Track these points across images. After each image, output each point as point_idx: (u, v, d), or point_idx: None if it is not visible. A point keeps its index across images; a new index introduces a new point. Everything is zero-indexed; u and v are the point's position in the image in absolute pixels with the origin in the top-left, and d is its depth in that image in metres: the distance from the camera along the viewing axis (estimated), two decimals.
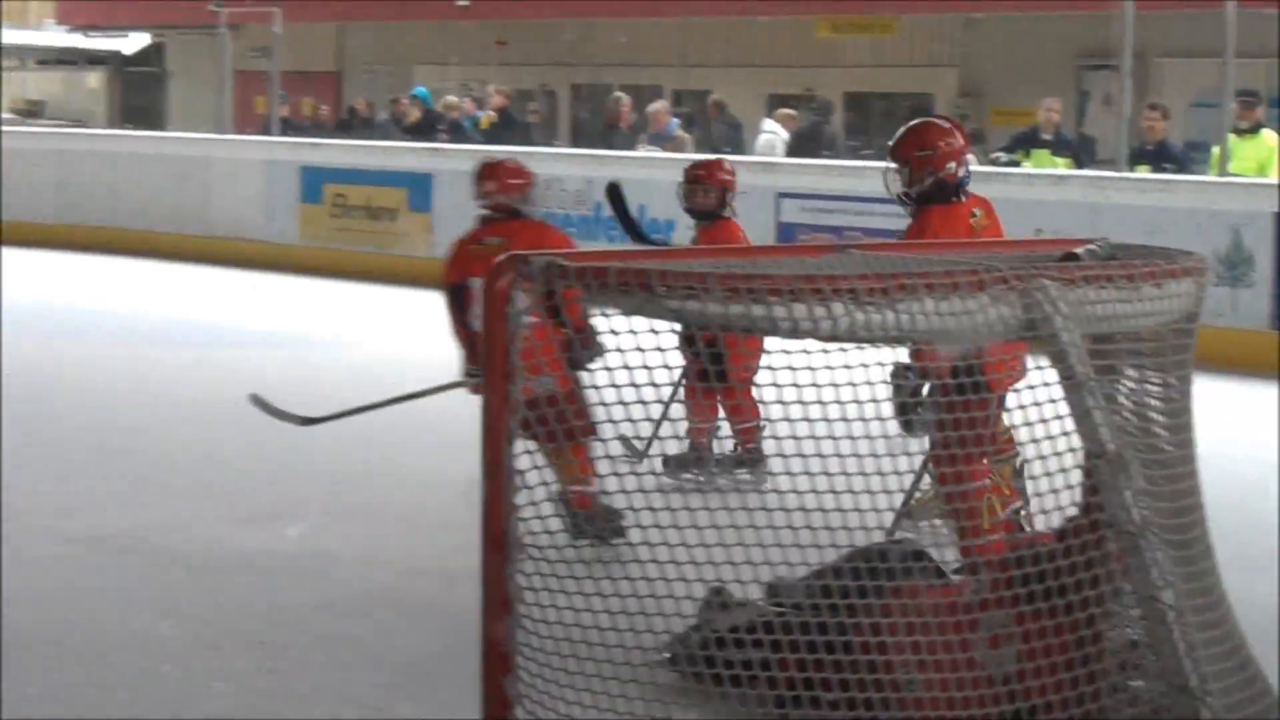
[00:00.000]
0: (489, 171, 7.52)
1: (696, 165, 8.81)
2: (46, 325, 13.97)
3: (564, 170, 16.22)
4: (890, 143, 6.90)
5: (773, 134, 17.79)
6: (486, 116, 21.18)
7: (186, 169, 18.78)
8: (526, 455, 4.11)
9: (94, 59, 32.45)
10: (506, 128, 20.08)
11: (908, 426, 6.07)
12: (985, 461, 5.95)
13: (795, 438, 4.20)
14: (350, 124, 22.69)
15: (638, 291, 4.06)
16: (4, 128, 23.75)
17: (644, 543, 4.33)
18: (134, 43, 32.41)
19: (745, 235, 8.64)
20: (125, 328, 13.96)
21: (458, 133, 19.79)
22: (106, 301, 15.36)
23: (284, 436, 8.50)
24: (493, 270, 4.10)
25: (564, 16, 26.72)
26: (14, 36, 32.13)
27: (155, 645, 6.03)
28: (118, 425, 9.82)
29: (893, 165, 6.74)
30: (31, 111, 29.86)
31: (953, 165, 6.64)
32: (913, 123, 6.96)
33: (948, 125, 6.92)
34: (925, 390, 5.74)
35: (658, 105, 18.34)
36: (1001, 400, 5.62)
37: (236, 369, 11.66)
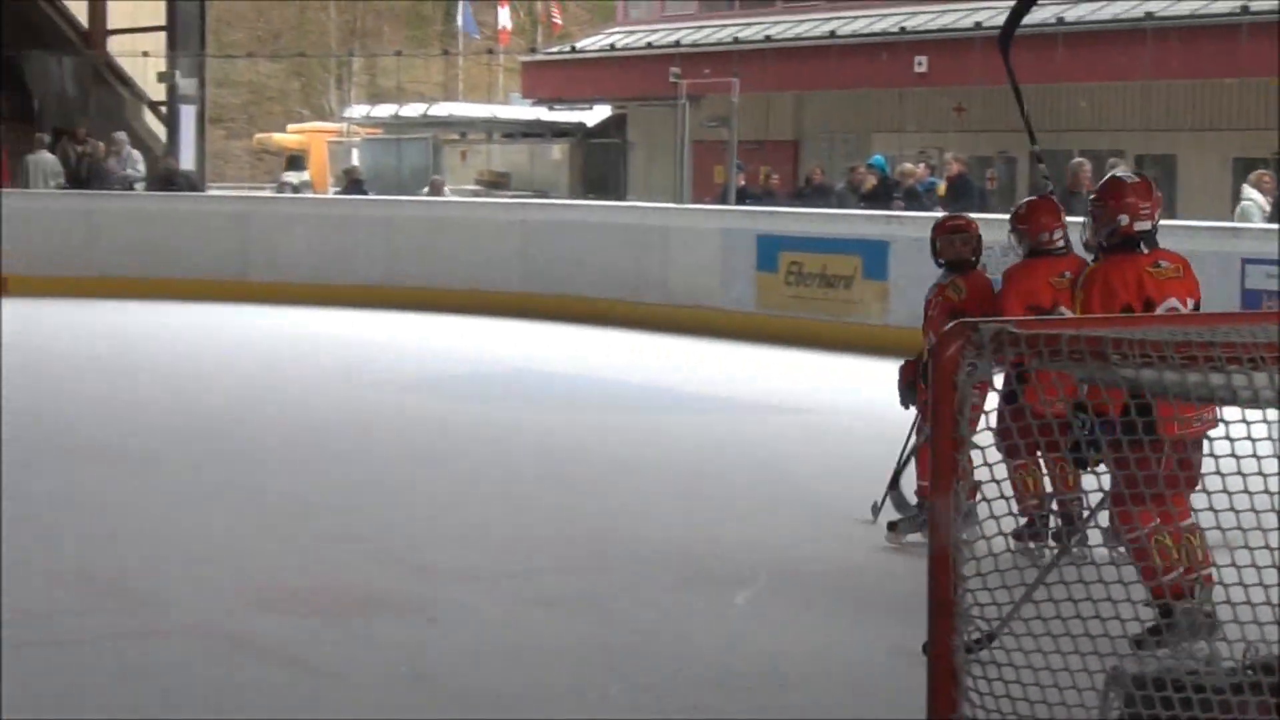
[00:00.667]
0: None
1: (956, 216, 9.06)
2: (515, 390, 14.38)
3: None
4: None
5: (1251, 201, 17.08)
6: (943, 183, 21.03)
7: (645, 238, 19.07)
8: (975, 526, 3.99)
9: (558, 131, 33.39)
10: (963, 194, 19.88)
11: (1080, 464, 6.57)
12: (1162, 505, 6.05)
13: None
14: (806, 192, 22.78)
15: (1090, 359, 3.92)
16: (471, 199, 24.64)
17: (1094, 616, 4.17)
18: (596, 115, 33.25)
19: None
20: (584, 391, 14.27)
21: (913, 200, 19.68)
22: (567, 366, 15.68)
23: (729, 504, 8.49)
24: (941, 338, 4.00)
25: (1024, 82, 26.39)
26: (481, 110, 33.32)
27: (606, 707, 6.06)
28: (575, 489, 9.96)
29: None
30: (497, 183, 30.85)
31: (1125, 218, 6.83)
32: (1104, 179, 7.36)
33: (1134, 181, 7.09)
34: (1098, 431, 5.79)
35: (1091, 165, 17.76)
36: (1185, 447, 5.93)
37: (690, 434, 11.80)
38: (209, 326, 18.37)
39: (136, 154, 23.93)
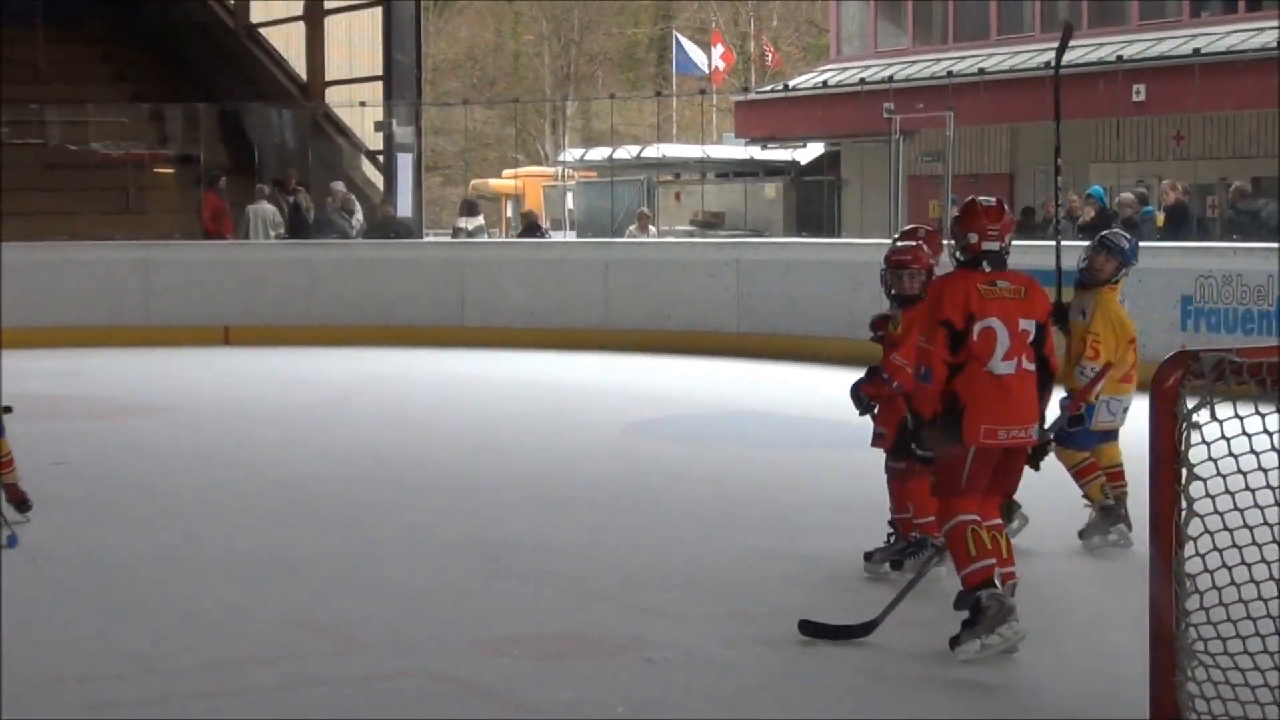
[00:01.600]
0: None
1: (902, 250, 8.68)
2: (730, 429, 14.33)
3: (1242, 265, 15.51)
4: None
5: None
6: (1160, 212, 20.59)
7: (860, 275, 18.86)
8: (1198, 558, 3.80)
9: (771, 169, 33.33)
10: (1181, 223, 19.43)
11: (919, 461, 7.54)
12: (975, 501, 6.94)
13: None
14: (1024, 224, 22.44)
15: None
16: (686, 239, 24.64)
17: None
18: (809, 152, 33.15)
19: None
20: (801, 431, 14.14)
21: (1132, 229, 19.26)
22: (784, 406, 15.55)
23: None
24: (1161, 367, 3.86)
25: (1244, 109, 25.82)
26: (694, 151, 33.37)
27: None
28: (794, 528, 9.83)
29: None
30: (711, 223, 30.85)
31: (974, 237, 7.19)
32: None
33: (988, 205, 7.35)
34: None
35: None
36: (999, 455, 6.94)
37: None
38: (426, 372, 18.54)
39: (355, 203, 24.27)
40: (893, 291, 8.57)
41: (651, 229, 25.48)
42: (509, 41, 55.29)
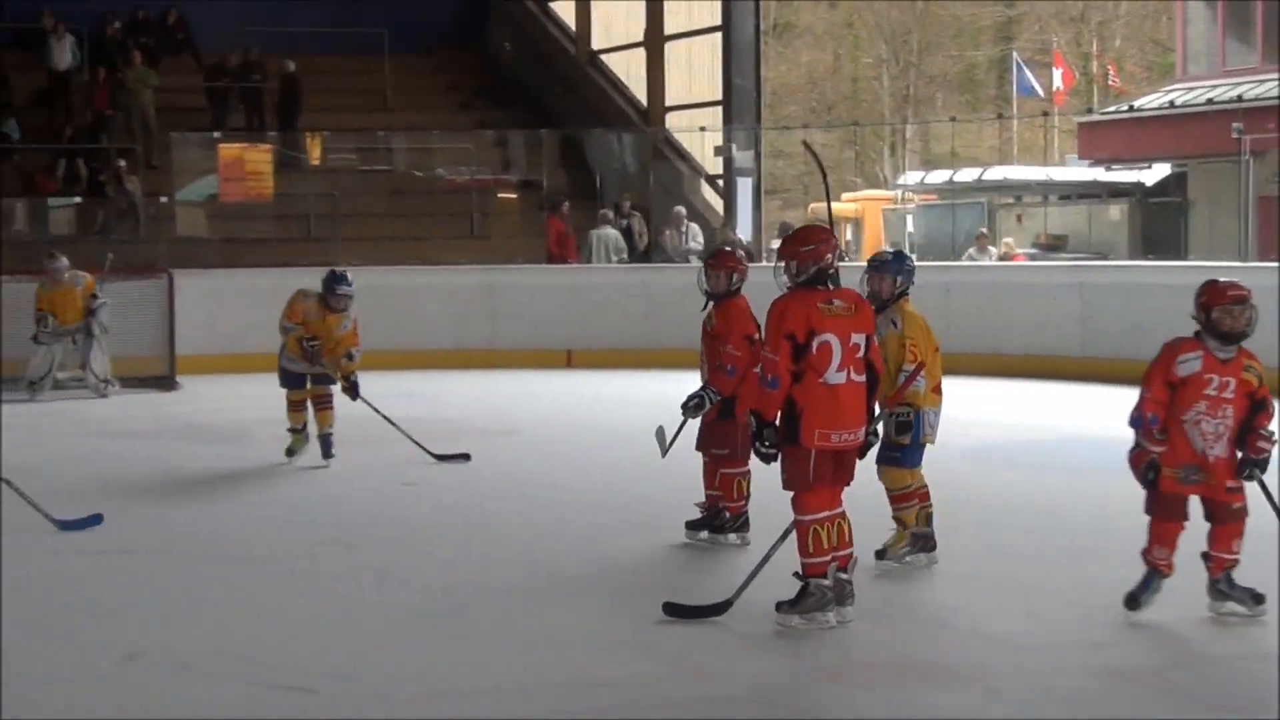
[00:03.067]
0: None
1: (711, 254, 10.49)
2: (1072, 456, 14.04)
3: None
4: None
5: None
6: None
7: None
8: None
9: (1115, 191, 32.67)
10: None
11: (762, 459, 8.10)
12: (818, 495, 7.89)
13: None
14: None
15: None
16: (1028, 263, 24.27)
17: None
18: (1155, 173, 32.41)
19: (749, 309, 10.11)
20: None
21: None
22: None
23: None
24: None
25: None
26: (1036, 173, 32.92)
27: None
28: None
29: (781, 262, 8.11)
30: (1054, 245, 30.37)
31: (829, 258, 7.93)
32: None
33: (822, 228, 8.34)
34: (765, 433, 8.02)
35: None
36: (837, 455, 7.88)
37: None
38: None
39: (695, 227, 24.44)
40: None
41: (991, 250, 25.15)
42: (848, 65, 55.19)
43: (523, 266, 23.60)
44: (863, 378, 7.91)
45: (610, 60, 30.34)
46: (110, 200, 24.41)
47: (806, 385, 7.77)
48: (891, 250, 9.75)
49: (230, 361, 20.39)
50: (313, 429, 13.44)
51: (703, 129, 27.61)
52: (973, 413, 16.77)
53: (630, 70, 29.80)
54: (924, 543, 9.37)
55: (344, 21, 28.65)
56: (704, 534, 10.04)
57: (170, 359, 19.68)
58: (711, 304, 10.30)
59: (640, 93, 29.30)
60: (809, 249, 7.95)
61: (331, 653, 7.58)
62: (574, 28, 30.66)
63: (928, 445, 9.33)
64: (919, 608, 8.47)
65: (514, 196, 26.72)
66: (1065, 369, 19.19)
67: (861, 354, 7.90)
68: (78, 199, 24.87)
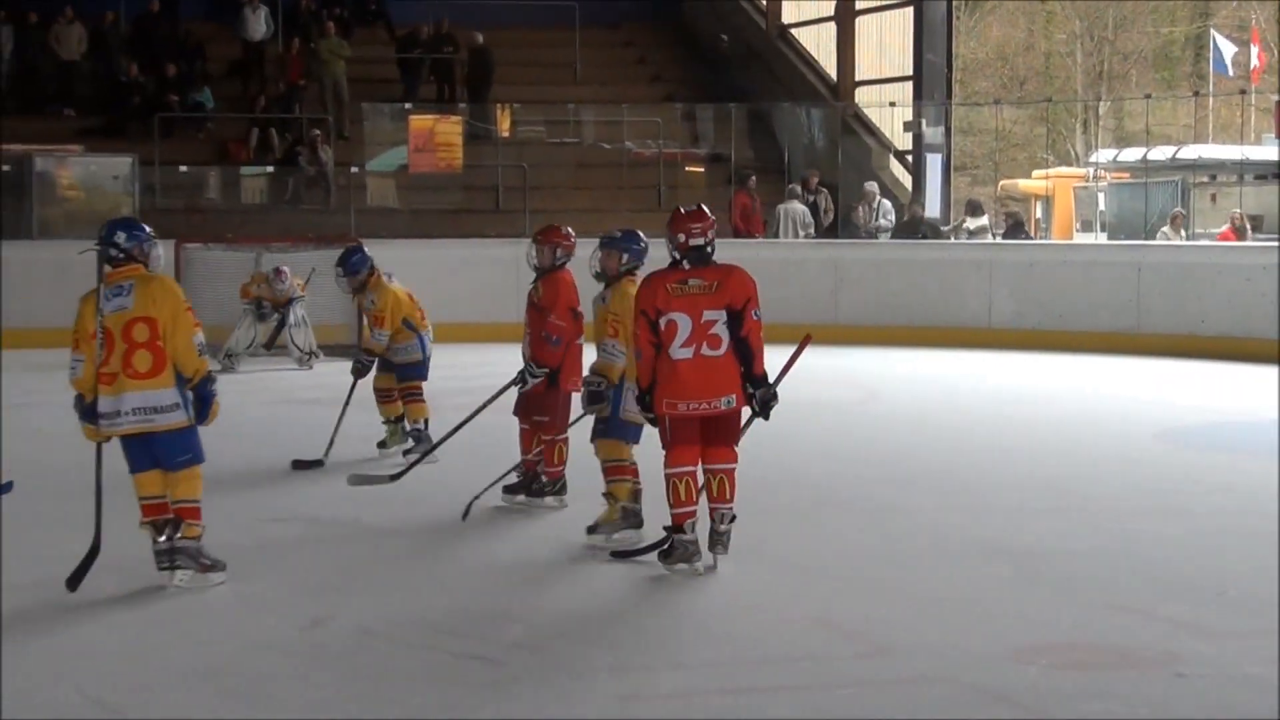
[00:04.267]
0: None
1: (539, 229, 10.51)
2: (1266, 440, 13.74)
3: None
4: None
5: None
6: None
7: None
8: None
9: None
10: None
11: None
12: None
13: None
14: None
15: None
16: (1222, 243, 23.81)
17: None
18: None
19: (574, 283, 10.23)
20: None
21: None
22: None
23: None
24: None
25: None
26: (1232, 152, 32.28)
27: None
28: None
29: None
30: (1250, 226, 29.76)
31: (681, 237, 8.67)
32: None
33: (691, 210, 8.82)
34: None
35: None
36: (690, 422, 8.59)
37: None
38: (952, 374, 18.38)
39: (887, 204, 24.28)
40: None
41: (1183, 232, 24.72)
42: (1040, 40, 54.41)
43: None
44: (718, 351, 8.45)
45: (800, 34, 30.22)
46: (301, 170, 24.76)
47: (661, 359, 8.51)
48: (621, 230, 9.88)
49: None
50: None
51: (892, 104, 27.41)
52: (1164, 394, 16.54)
53: (820, 45, 29.66)
54: (634, 519, 9.47)
55: None
56: (521, 497, 10.43)
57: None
58: (537, 277, 10.45)
59: (830, 67, 29.15)
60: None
61: (516, 624, 7.65)
62: (764, 2, 30.58)
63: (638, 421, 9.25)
64: (1105, 592, 8.31)
65: (701, 170, 26.71)
66: (1260, 350, 18.81)
67: (716, 329, 8.46)
68: (269, 168, 25.24)
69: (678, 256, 8.67)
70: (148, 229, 8.40)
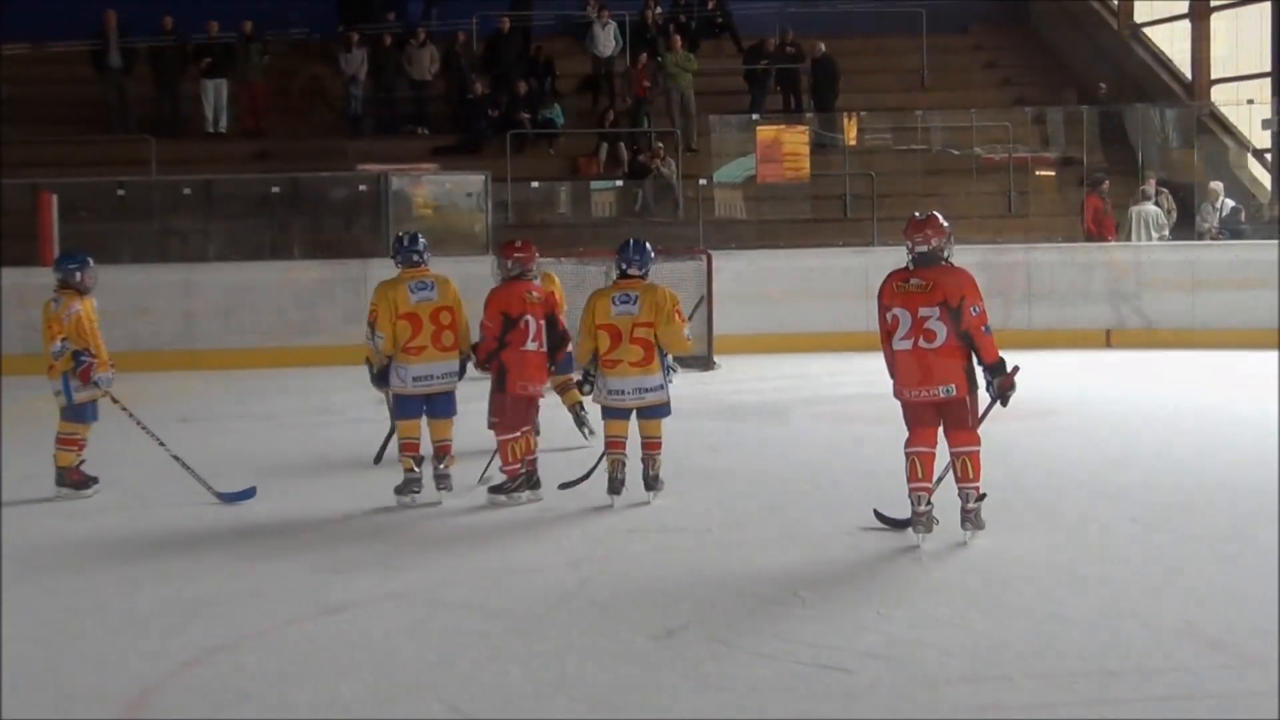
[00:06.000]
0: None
1: (509, 243, 11.67)
2: None
3: None
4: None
5: None
6: None
7: None
8: None
9: None
10: None
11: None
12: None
13: None
14: None
15: None
16: None
17: None
18: None
19: (546, 289, 11.53)
20: None
21: None
22: None
23: None
24: None
25: None
26: None
27: None
28: None
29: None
30: None
31: (909, 243, 9.61)
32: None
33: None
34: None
35: None
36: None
37: None
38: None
39: (1230, 203, 23.56)
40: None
41: None
42: None
43: (1061, 245, 23.21)
44: (933, 344, 9.35)
45: (1152, 33, 29.56)
46: (650, 183, 25.02)
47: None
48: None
49: (763, 342, 20.80)
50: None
51: (1250, 102, 26.60)
52: None
53: (1173, 42, 28.96)
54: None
55: (882, 2, 28.74)
56: (502, 497, 11.22)
57: (709, 338, 20.03)
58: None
59: (1184, 65, 28.45)
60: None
61: (869, 634, 7.61)
62: (1115, 1, 29.99)
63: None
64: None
65: (1051, 174, 26.27)
66: None
67: (931, 324, 9.37)
68: (618, 182, 25.57)
69: (909, 260, 9.59)
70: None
